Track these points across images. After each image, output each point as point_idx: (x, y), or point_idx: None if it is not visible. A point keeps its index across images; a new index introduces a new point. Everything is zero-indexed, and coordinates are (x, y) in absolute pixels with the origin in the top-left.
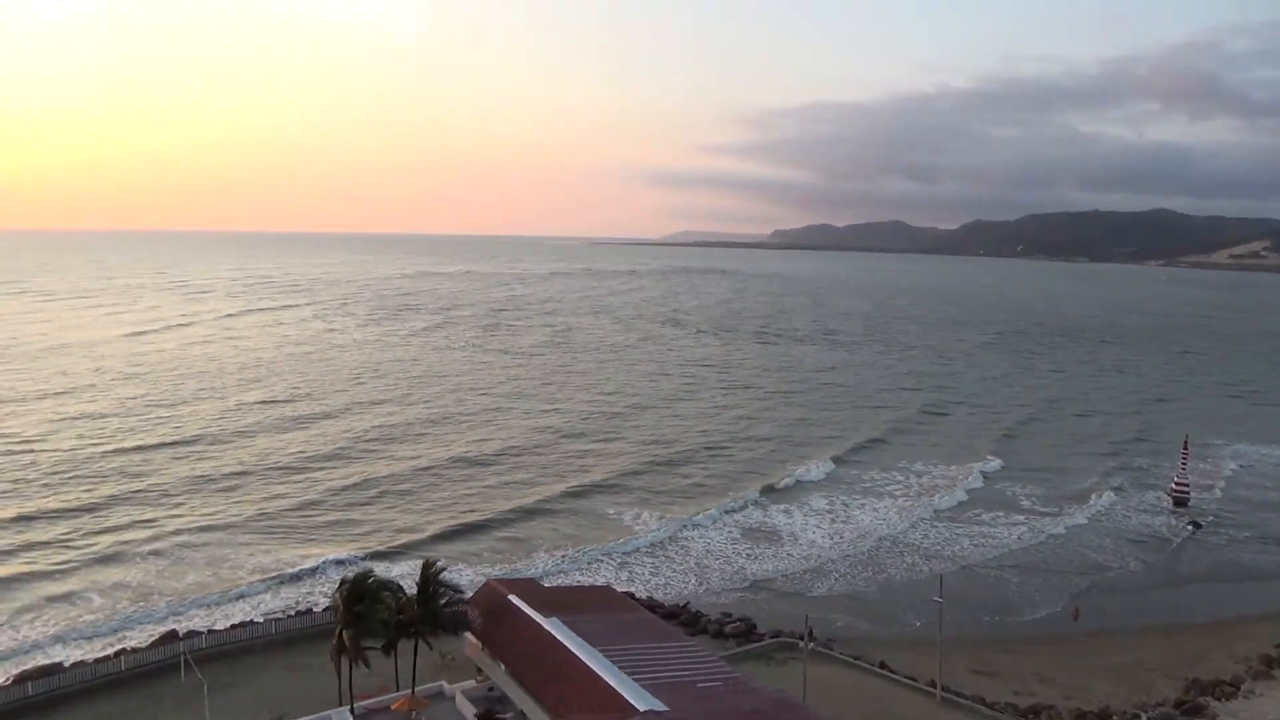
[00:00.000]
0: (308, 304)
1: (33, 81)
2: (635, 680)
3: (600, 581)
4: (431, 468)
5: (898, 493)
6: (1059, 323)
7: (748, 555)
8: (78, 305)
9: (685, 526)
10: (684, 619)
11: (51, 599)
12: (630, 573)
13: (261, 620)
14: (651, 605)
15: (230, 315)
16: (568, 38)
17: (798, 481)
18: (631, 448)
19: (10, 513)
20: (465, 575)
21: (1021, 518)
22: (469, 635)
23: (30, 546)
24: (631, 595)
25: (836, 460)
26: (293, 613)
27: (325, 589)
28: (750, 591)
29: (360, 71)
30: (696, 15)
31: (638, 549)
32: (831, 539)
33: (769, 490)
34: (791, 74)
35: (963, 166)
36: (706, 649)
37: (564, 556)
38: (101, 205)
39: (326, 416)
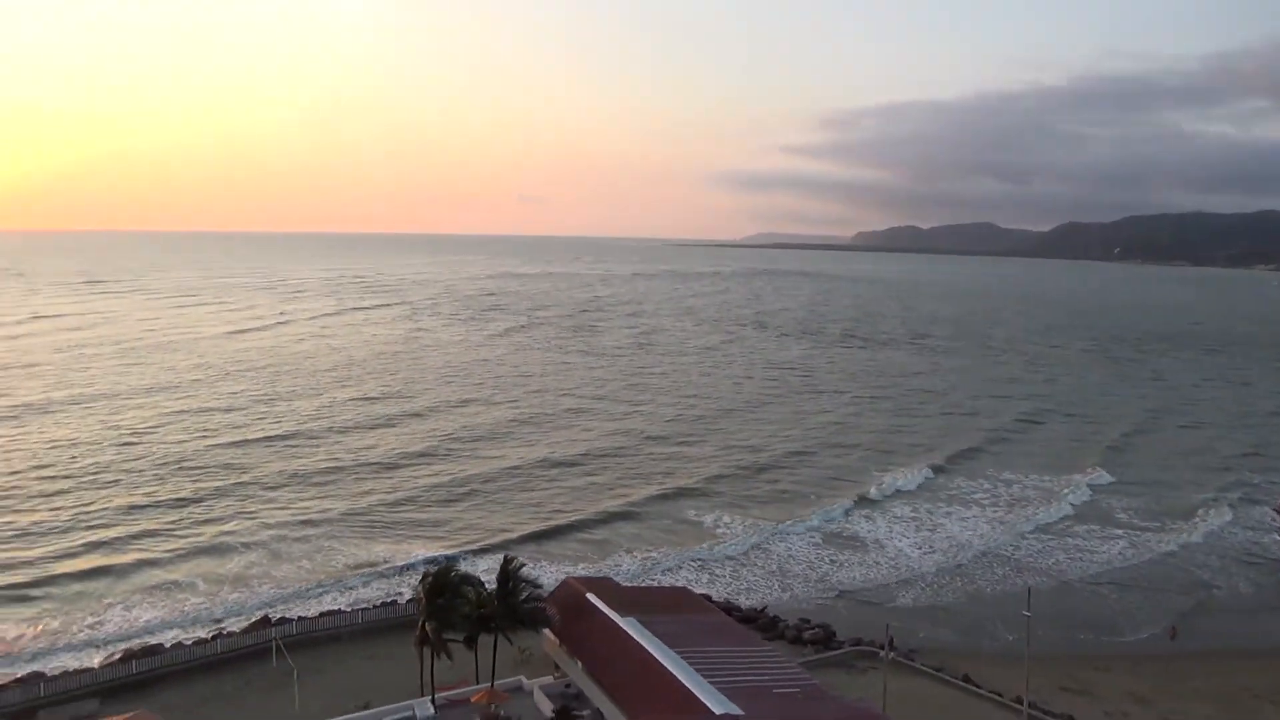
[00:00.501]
0: (397, 304)
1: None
2: (711, 683)
3: (680, 584)
4: (517, 468)
5: (990, 503)
6: (1161, 329)
7: (831, 562)
8: (184, 304)
9: (768, 533)
10: (761, 623)
11: (157, 585)
12: (710, 575)
13: (348, 610)
14: (728, 608)
15: (325, 314)
16: (646, 40)
17: (886, 489)
18: (715, 452)
19: (122, 502)
20: (545, 573)
21: (1121, 533)
22: (547, 632)
23: (140, 535)
24: (708, 597)
25: (928, 469)
26: (377, 604)
27: (412, 583)
28: (831, 598)
29: (443, 77)
30: (774, 15)
31: (718, 553)
32: (919, 548)
33: (854, 497)
34: (872, 72)
35: (1055, 166)
36: (784, 654)
37: (645, 559)
38: (188, 206)
39: (416, 415)
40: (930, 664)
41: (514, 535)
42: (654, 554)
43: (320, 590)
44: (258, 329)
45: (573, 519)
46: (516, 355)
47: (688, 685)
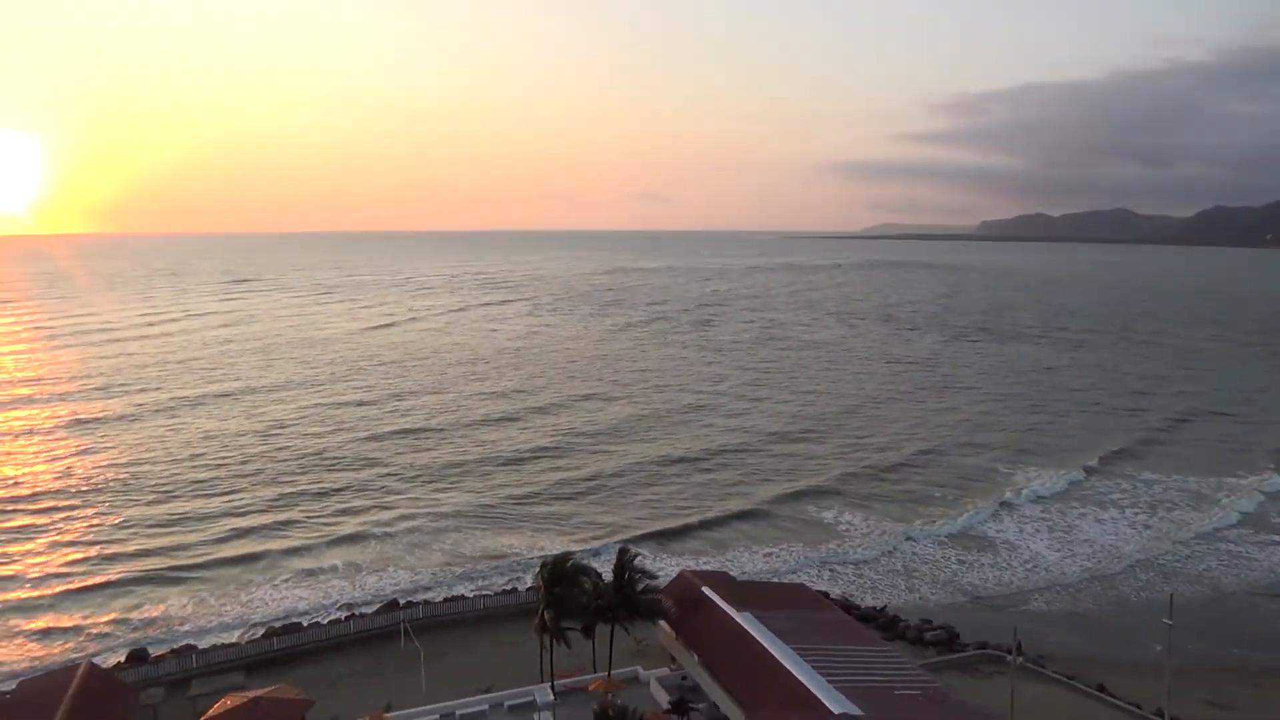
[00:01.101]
0: (521, 300)
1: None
2: (829, 681)
3: (799, 581)
4: (637, 464)
5: (1137, 507)
6: None
7: (959, 563)
8: (322, 301)
9: (892, 532)
10: (881, 623)
11: (298, 570)
12: (831, 571)
13: (471, 595)
14: (846, 606)
15: (452, 310)
16: (760, 32)
17: (1021, 490)
18: (839, 449)
19: (268, 492)
20: (662, 566)
21: None
22: (663, 624)
23: (284, 523)
24: (825, 594)
25: (1069, 469)
26: (498, 591)
27: (532, 572)
28: (956, 600)
29: (567, 75)
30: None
31: (840, 552)
32: (1056, 551)
33: (987, 498)
34: (999, 55)
35: (1199, 148)
36: (904, 655)
37: (766, 555)
38: (313, 209)
39: (540, 410)
40: (1062, 671)
41: (634, 532)
42: (774, 551)
43: (445, 577)
44: (390, 325)
45: (692, 516)
46: (636, 350)
47: (805, 682)
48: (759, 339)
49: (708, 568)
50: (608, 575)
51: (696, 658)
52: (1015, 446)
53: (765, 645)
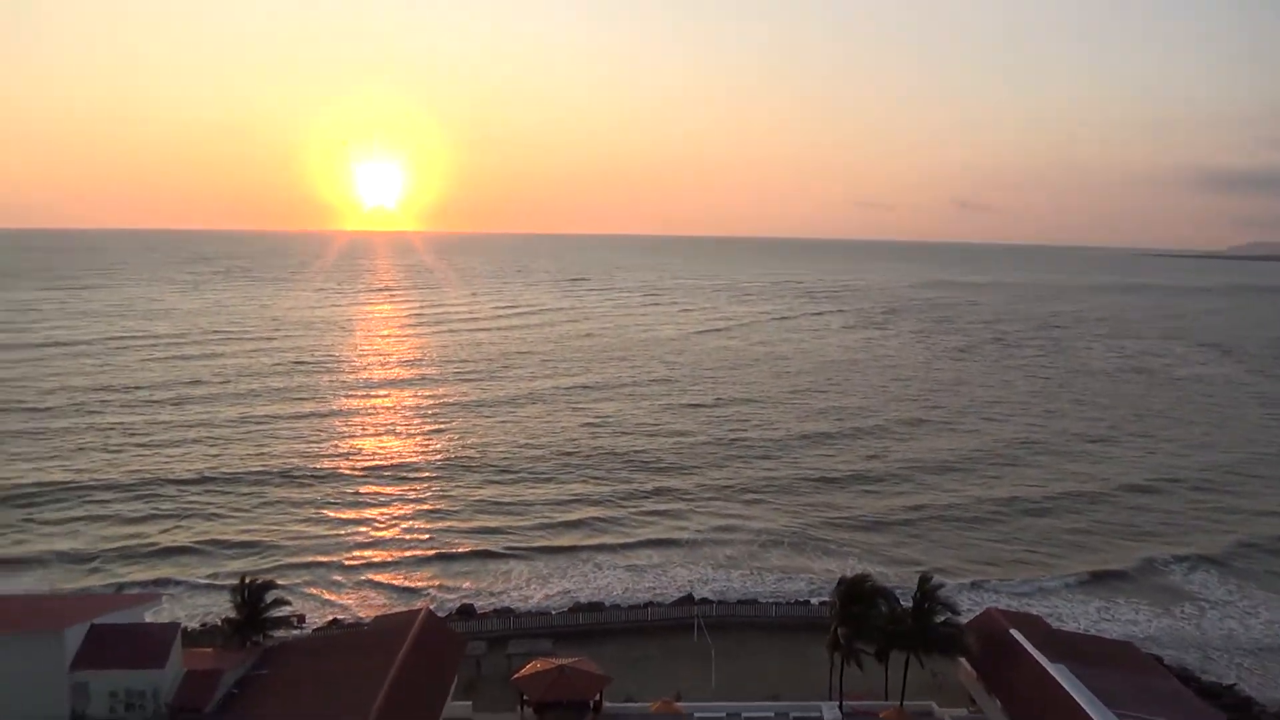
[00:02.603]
0: (841, 311)
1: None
2: None
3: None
4: (968, 504)
5: None
6: None
7: None
8: (655, 302)
9: (1263, 600)
10: (1227, 701)
11: (614, 559)
12: (1172, 633)
13: (764, 601)
14: (1184, 676)
15: (777, 319)
16: (1125, 25)
17: None
18: (1213, 511)
19: (595, 487)
20: (961, 599)
21: None
22: (964, 661)
23: (606, 517)
24: (1158, 659)
25: None
26: (791, 600)
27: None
28: None
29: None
30: None
31: (1182, 609)
32: None
33: None
34: None
35: None
36: None
37: (1098, 609)
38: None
39: (866, 433)
40: None
41: (937, 565)
42: (1107, 605)
43: (740, 581)
44: (718, 330)
45: (1009, 558)
46: (977, 375)
47: None
48: (1131, 368)
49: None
50: (905, 600)
51: (999, 704)
52: None
53: (1082, 704)
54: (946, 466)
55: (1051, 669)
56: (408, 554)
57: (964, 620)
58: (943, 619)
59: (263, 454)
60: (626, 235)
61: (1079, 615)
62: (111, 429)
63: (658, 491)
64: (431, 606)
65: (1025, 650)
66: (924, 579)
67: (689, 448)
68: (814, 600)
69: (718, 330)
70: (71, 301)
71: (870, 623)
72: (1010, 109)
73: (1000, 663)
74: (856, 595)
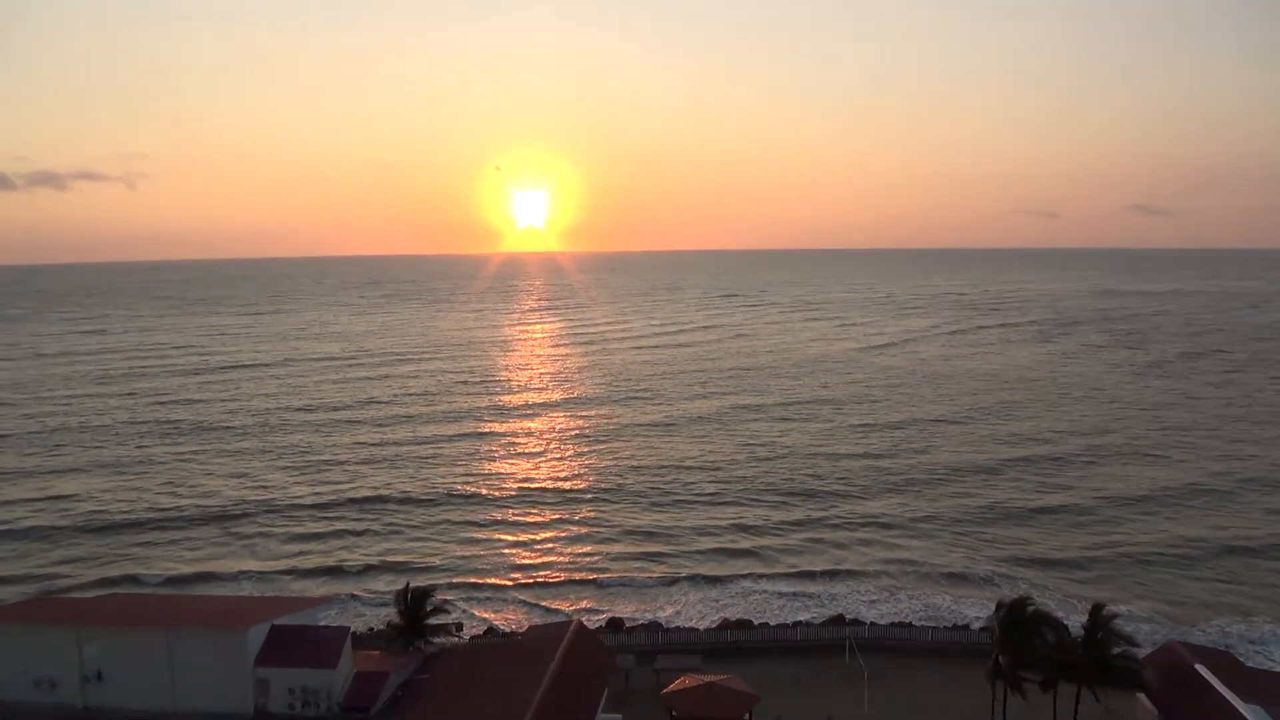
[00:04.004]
0: (1007, 325)
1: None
2: None
3: None
4: (1165, 540)
5: None
6: None
7: None
8: (813, 318)
9: None
10: None
11: (774, 574)
12: None
13: (918, 624)
14: None
15: (945, 333)
16: None
17: None
18: None
19: (750, 511)
20: (1136, 629)
21: None
22: (1142, 696)
23: (769, 533)
24: None
25: None
26: (948, 625)
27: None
28: None
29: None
30: None
31: None
32: None
33: None
34: None
35: None
36: None
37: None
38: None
39: (1061, 460)
40: None
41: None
42: None
43: (893, 603)
44: (887, 345)
45: (1204, 599)
46: (1185, 398)
47: None
48: None
49: (1184, 636)
50: (1074, 629)
51: None
52: None
53: None
54: (1137, 499)
55: (1244, 709)
56: (560, 576)
57: (1142, 653)
58: (1119, 650)
59: (426, 475)
60: (739, 250)
61: (1277, 656)
62: (288, 449)
63: (817, 519)
64: (581, 619)
65: (1213, 688)
66: (1097, 606)
67: (855, 472)
68: (974, 625)
69: (882, 347)
70: (256, 327)
71: (1035, 651)
72: (1194, 103)
73: (1184, 700)
74: (1019, 621)
